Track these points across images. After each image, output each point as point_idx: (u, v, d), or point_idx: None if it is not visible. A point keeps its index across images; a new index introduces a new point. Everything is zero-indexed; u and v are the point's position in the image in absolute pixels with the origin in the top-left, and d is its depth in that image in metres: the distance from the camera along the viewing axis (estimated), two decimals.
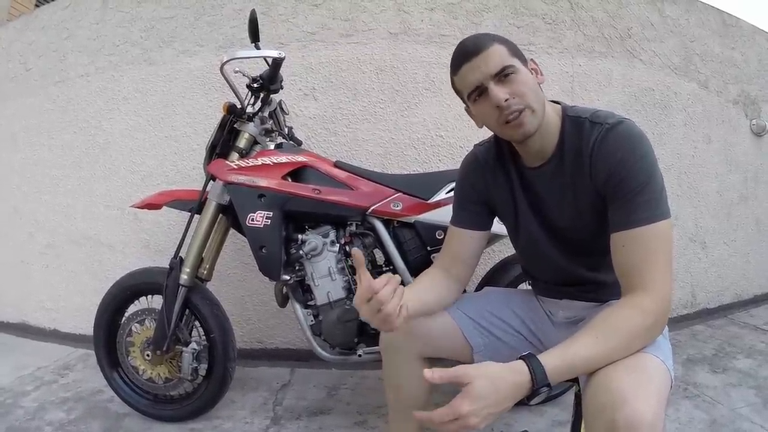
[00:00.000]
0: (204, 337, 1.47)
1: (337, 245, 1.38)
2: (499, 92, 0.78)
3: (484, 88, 0.80)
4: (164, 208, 1.50)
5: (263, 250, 1.35)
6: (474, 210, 0.99)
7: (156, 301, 1.49)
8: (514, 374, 0.65)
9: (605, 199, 0.80)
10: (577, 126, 0.84)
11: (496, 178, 0.96)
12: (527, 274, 1.10)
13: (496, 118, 0.81)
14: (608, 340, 0.68)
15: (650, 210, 0.74)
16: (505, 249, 1.85)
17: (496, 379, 0.64)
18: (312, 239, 1.36)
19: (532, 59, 0.86)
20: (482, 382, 0.63)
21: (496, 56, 0.79)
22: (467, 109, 0.91)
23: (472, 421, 0.63)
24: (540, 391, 0.65)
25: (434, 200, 1.37)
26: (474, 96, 0.82)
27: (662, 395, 0.67)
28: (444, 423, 0.63)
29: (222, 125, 1.47)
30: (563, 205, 0.88)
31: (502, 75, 0.79)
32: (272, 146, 1.47)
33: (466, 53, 0.81)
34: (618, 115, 0.82)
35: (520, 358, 0.67)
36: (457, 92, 0.88)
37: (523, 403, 0.67)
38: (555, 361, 0.66)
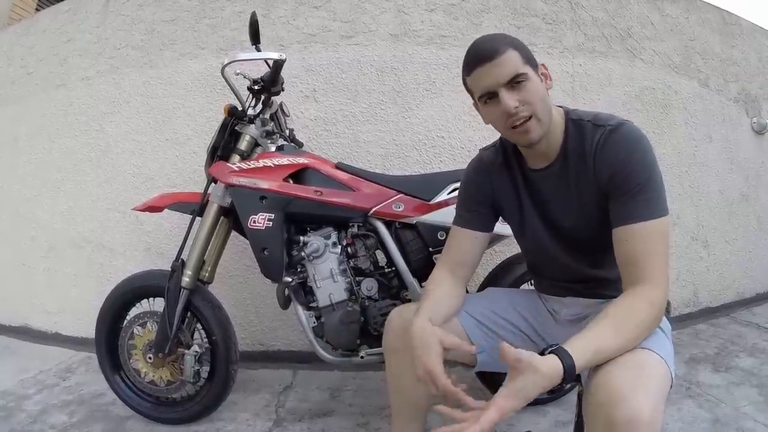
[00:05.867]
0: (206, 340, 1.47)
1: (339, 247, 1.38)
2: (509, 100, 0.81)
3: (495, 93, 0.82)
4: (166, 210, 1.50)
5: (265, 252, 1.35)
6: (479, 211, 1.01)
7: (158, 304, 1.50)
8: (551, 372, 0.64)
9: (608, 197, 0.83)
10: (580, 129, 0.87)
11: (502, 179, 0.99)
12: (532, 272, 1.12)
13: (503, 122, 0.85)
14: (626, 332, 0.71)
15: (651, 207, 0.78)
16: (507, 250, 1.84)
17: (538, 378, 0.64)
18: (314, 241, 1.36)
19: (542, 64, 0.88)
20: (530, 377, 0.64)
21: (510, 63, 0.81)
22: (475, 105, 0.93)
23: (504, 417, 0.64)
24: (564, 387, 0.66)
25: (436, 201, 1.37)
26: (485, 98, 0.85)
27: (661, 393, 0.67)
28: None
29: (223, 127, 1.47)
30: (567, 204, 0.90)
31: (514, 82, 0.81)
32: (273, 148, 1.47)
33: (480, 57, 0.83)
34: (618, 117, 0.86)
35: (551, 352, 0.66)
36: (468, 90, 0.91)
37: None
38: (581, 360, 0.66)
